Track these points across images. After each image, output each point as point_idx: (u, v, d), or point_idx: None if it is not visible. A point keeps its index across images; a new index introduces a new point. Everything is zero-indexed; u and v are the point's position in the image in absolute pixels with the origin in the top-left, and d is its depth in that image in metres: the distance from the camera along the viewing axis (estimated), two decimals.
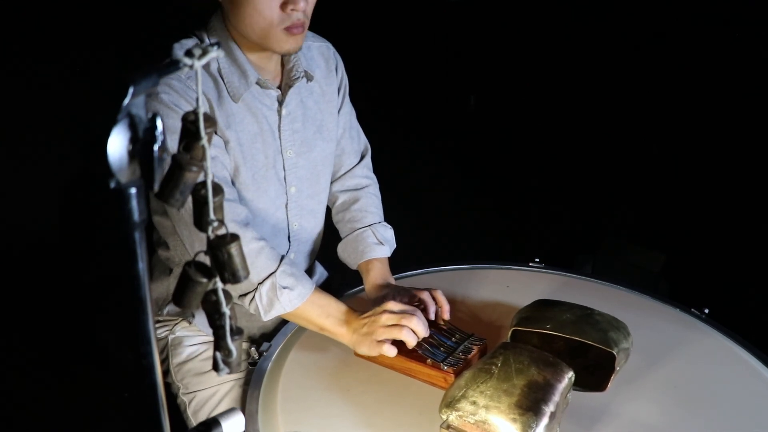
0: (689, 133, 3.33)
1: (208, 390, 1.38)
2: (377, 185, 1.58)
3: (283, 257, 1.26)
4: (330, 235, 1.54)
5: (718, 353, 1.29)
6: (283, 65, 1.34)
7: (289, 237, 1.41)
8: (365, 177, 1.56)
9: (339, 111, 1.46)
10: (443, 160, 3.94)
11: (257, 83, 1.27)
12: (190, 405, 1.39)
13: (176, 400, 1.42)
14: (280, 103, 1.32)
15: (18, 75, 4.10)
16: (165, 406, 0.63)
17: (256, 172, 1.30)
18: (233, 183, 1.28)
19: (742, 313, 2.30)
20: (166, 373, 1.43)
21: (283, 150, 1.34)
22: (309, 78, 1.36)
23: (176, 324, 1.44)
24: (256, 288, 1.22)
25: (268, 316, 1.24)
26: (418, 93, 4.48)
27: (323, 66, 1.43)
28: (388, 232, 1.50)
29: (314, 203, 1.44)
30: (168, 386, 1.43)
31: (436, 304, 1.30)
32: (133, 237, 0.56)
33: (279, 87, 1.33)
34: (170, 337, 1.43)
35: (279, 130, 1.33)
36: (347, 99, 1.50)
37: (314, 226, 1.47)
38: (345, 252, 1.49)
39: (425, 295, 1.30)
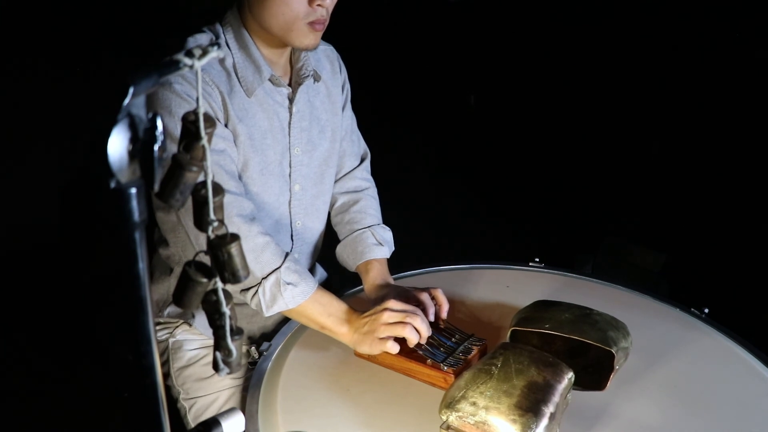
0: (689, 133, 3.33)
1: (209, 396, 1.37)
2: (375, 189, 1.59)
3: (287, 254, 1.26)
4: (330, 236, 1.54)
5: (718, 353, 1.29)
6: (292, 64, 1.35)
7: (292, 236, 1.42)
8: (364, 180, 1.57)
9: (342, 111, 1.47)
10: (443, 160, 3.94)
11: (270, 80, 1.28)
12: (191, 411, 1.38)
13: (176, 404, 1.41)
14: (291, 100, 1.33)
15: (18, 75, 4.10)
16: (165, 406, 0.63)
17: (264, 167, 1.30)
18: (240, 177, 1.28)
19: (742, 313, 2.30)
20: (166, 376, 1.43)
21: (291, 147, 1.35)
22: (317, 78, 1.38)
23: (177, 327, 1.43)
24: (260, 283, 1.22)
25: (270, 312, 1.24)
26: (418, 93, 4.48)
27: (329, 68, 1.44)
28: (387, 234, 1.50)
29: (319, 203, 1.45)
30: (168, 389, 1.43)
31: (436, 303, 1.30)
32: (134, 237, 0.56)
33: (288, 85, 1.33)
34: (171, 340, 1.43)
35: (289, 127, 1.33)
36: (349, 103, 1.51)
37: (317, 226, 1.47)
38: (344, 253, 1.49)
39: (424, 297, 1.29)
